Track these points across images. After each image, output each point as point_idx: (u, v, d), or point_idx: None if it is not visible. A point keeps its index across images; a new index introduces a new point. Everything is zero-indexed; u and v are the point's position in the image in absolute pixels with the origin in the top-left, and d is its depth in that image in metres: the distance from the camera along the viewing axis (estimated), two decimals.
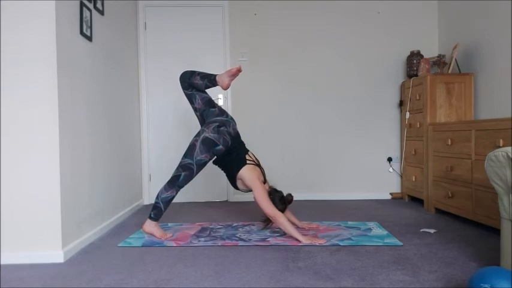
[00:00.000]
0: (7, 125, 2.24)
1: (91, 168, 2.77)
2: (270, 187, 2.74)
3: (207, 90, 2.82)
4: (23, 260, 2.24)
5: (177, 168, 2.67)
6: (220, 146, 2.67)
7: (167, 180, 4.01)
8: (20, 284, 1.93)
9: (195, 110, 2.81)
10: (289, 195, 2.76)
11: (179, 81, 2.80)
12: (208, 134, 2.66)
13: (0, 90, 2.23)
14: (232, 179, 2.74)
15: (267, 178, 2.82)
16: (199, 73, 2.73)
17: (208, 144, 2.65)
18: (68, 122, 2.41)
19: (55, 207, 2.26)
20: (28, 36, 2.23)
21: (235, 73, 2.68)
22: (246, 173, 2.66)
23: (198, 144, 2.65)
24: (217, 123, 2.70)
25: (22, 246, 2.25)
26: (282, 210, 2.64)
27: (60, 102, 2.29)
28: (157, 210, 2.69)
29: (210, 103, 2.79)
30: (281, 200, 2.66)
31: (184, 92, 2.80)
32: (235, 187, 2.79)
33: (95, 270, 2.10)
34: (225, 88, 2.73)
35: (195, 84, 2.73)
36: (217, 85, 2.73)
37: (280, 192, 2.71)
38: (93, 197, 2.80)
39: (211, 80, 2.72)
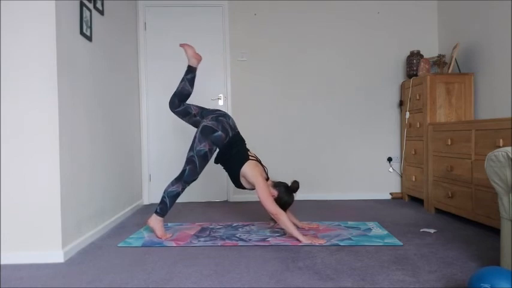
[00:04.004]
0: (7, 125, 2.24)
1: (91, 168, 2.77)
2: (272, 182, 2.74)
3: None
4: (23, 260, 2.24)
5: (184, 164, 2.71)
6: (220, 132, 2.67)
7: (167, 180, 4.05)
8: (20, 284, 1.93)
9: (194, 116, 2.84)
10: (295, 182, 2.73)
11: (170, 109, 2.85)
12: (207, 122, 2.70)
13: (0, 90, 2.23)
14: (235, 176, 2.72)
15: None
16: (178, 86, 2.83)
17: (207, 132, 2.66)
18: (68, 122, 2.41)
19: (55, 207, 2.26)
20: (28, 37, 2.23)
21: (186, 49, 2.81)
22: (249, 169, 2.65)
23: (197, 134, 2.68)
24: (215, 115, 2.75)
25: (22, 246, 2.25)
26: (290, 201, 2.66)
27: (60, 102, 2.29)
28: (163, 205, 2.70)
29: (203, 107, 2.89)
30: (287, 191, 2.67)
31: (177, 112, 2.84)
32: (239, 185, 2.76)
33: (95, 270, 2.10)
34: (197, 59, 2.81)
35: (183, 90, 2.79)
36: (194, 67, 2.81)
37: (285, 183, 2.71)
38: (93, 197, 2.80)
39: (187, 72, 2.81)
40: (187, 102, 2.90)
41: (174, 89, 4.08)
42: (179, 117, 2.88)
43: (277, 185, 2.69)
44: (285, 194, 2.65)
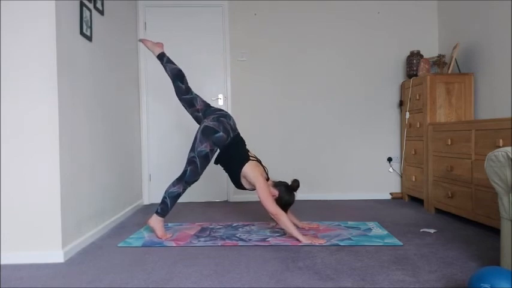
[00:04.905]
0: (7, 125, 2.24)
1: (91, 168, 2.77)
2: (273, 182, 2.74)
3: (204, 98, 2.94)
4: (23, 260, 2.24)
5: (185, 165, 2.71)
6: (221, 133, 2.67)
7: (167, 180, 4.04)
8: (20, 284, 1.93)
9: (197, 111, 2.84)
10: (295, 180, 2.73)
11: (177, 96, 2.87)
12: (208, 123, 2.70)
13: (0, 90, 2.23)
14: (236, 177, 2.72)
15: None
16: (168, 74, 2.90)
17: (208, 132, 2.66)
18: (68, 122, 2.41)
19: (55, 207, 2.26)
20: (28, 37, 2.23)
21: (144, 43, 2.99)
22: (250, 170, 2.65)
23: (198, 135, 2.68)
24: (216, 115, 2.75)
25: (22, 246, 2.25)
26: (291, 200, 2.66)
27: (60, 102, 2.29)
28: (164, 205, 2.70)
29: (209, 105, 2.90)
30: (288, 190, 2.67)
31: (184, 99, 2.84)
32: (239, 186, 2.76)
33: (95, 270, 2.10)
34: (159, 46, 2.94)
35: (173, 71, 2.85)
36: (161, 53, 2.90)
37: (285, 182, 2.71)
38: (93, 197, 2.80)
39: (160, 60, 2.90)
40: (197, 93, 2.96)
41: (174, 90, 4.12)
42: (184, 105, 2.88)
43: (277, 184, 2.69)
44: (286, 193, 2.66)
